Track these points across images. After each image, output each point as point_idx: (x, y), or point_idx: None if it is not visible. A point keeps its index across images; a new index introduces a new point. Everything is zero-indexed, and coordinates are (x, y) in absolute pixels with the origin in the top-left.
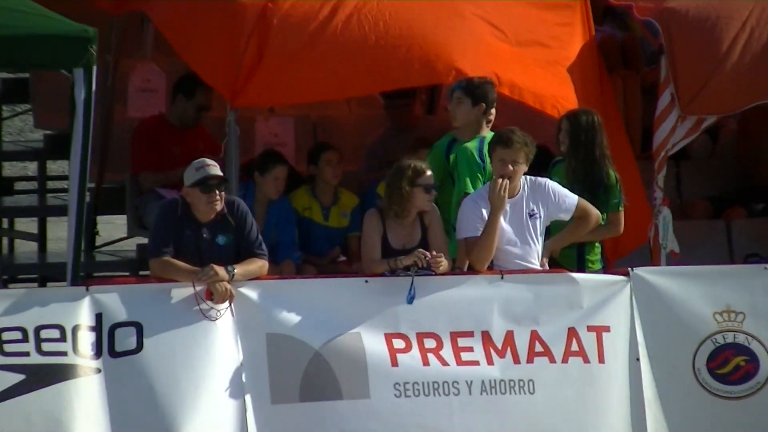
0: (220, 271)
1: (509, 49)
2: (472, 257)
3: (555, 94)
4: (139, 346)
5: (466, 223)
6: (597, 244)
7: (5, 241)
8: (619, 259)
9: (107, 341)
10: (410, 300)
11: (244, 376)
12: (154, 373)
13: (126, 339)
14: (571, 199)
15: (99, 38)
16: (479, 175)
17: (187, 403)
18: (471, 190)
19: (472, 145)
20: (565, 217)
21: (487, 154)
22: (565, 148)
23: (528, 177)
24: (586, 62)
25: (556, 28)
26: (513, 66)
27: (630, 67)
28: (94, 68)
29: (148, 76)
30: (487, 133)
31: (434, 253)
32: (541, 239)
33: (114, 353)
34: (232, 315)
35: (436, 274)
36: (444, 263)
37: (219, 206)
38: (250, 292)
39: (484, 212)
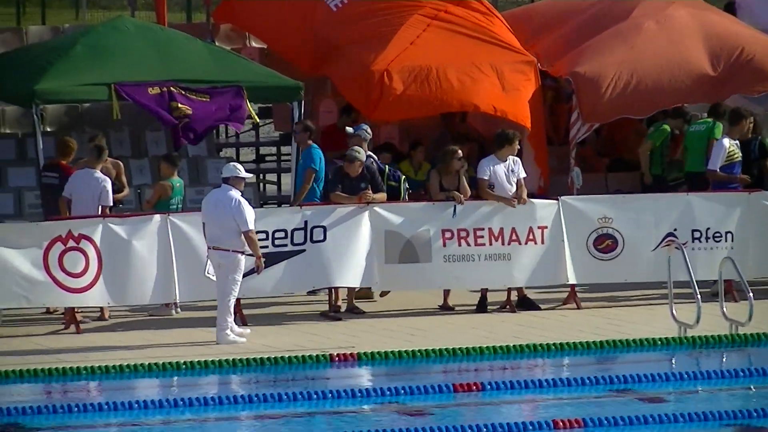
0: (371, 196)
1: (501, 92)
2: (483, 196)
3: (522, 115)
4: (325, 238)
5: (481, 170)
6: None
7: (261, 185)
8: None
9: (309, 235)
10: (454, 214)
11: (372, 249)
12: (331, 251)
13: (319, 234)
14: (522, 170)
15: (305, 87)
16: None
17: (347, 262)
18: None
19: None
20: (523, 174)
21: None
22: None
23: (511, 157)
24: (535, 97)
25: (523, 81)
26: (504, 101)
27: (560, 101)
28: (302, 101)
29: (329, 105)
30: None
31: (461, 195)
32: (515, 184)
33: (313, 241)
34: (369, 221)
35: (462, 203)
36: (465, 197)
37: (360, 169)
38: (378, 208)
39: (492, 167)
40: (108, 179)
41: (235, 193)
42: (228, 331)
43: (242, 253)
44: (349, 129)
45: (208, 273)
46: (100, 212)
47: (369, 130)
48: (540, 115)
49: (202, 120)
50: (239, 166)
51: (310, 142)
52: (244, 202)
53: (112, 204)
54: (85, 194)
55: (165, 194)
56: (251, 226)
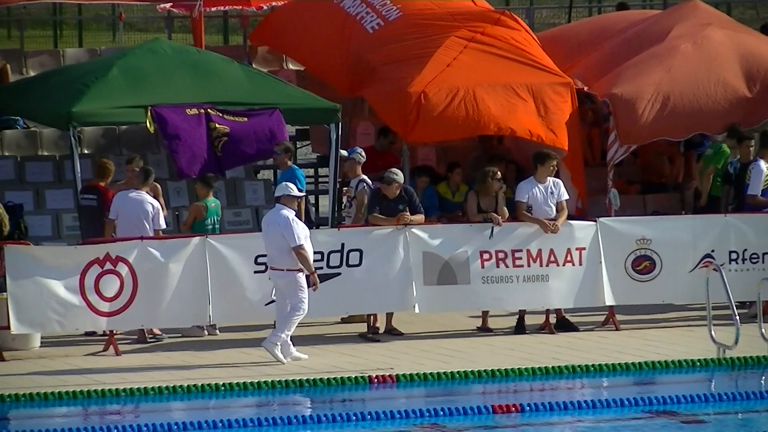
0: (409, 217)
1: (537, 116)
2: (521, 219)
3: (559, 138)
4: (361, 262)
5: (519, 193)
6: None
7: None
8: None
9: (345, 258)
10: (491, 235)
11: (410, 271)
12: (368, 274)
13: (355, 258)
14: (564, 192)
15: (342, 108)
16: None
17: (385, 286)
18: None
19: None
20: (565, 196)
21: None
22: None
23: (551, 178)
24: (572, 120)
25: (560, 103)
26: (540, 125)
27: (596, 123)
28: (339, 123)
29: (366, 127)
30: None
31: (499, 217)
32: (554, 207)
33: (348, 265)
34: (407, 242)
35: (500, 224)
36: (502, 219)
37: (397, 191)
38: (416, 230)
39: (531, 190)
40: (158, 202)
41: (287, 212)
42: (277, 344)
43: (298, 271)
44: (343, 152)
45: (274, 296)
46: (153, 235)
47: (363, 153)
48: (577, 137)
49: (240, 140)
50: (291, 185)
51: (289, 163)
52: (295, 220)
53: (165, 226)
54: (131, 216)
55: (200, 215)
56: (300, 242)
